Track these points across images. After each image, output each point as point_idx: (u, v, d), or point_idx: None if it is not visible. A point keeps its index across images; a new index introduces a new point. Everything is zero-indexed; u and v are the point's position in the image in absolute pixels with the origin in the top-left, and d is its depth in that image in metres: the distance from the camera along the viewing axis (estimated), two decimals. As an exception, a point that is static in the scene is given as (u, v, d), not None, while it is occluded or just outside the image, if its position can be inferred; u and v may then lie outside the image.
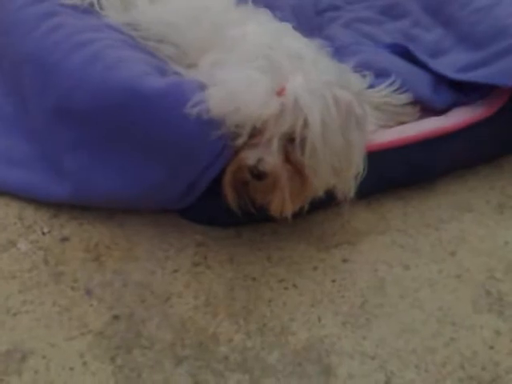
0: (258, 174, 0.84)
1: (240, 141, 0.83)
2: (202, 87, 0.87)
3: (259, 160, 0.83)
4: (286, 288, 0.90)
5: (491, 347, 0.86)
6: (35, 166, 0.99)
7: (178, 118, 0.84)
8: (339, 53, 1.20)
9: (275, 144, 0.82)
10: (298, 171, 0.85)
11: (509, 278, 0.98)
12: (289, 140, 0.83)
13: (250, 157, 0.83)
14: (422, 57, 1.24)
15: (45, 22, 1.01)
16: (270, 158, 0.82)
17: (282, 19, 1.31)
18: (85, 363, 0.76)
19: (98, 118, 0.90)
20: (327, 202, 0.93)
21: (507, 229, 1.07)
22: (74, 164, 0.93)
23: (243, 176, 0.85)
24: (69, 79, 0.92)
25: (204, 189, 0.89)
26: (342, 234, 1.01)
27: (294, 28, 1.22)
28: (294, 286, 0.91)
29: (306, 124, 0.80)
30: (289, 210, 0.87)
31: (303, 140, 0.82)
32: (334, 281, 0.93)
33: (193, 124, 0.84)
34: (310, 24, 1.39)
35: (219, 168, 0.87)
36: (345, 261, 0.97)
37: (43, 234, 0.92)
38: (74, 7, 1.07)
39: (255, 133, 0.83)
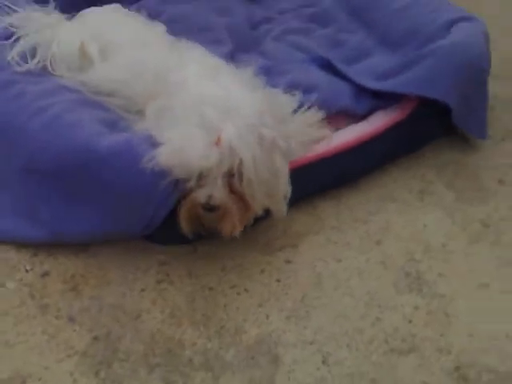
0: (210, 208, 1.00)
1: (190, 185, 0.99)
2: (151, 142, 1.03)
3: (209, 197, 1.00)
4: (238, 293, 1.07)
5: (410, 321, 1.04)
6: (13, 214, 1.13)
7: (131, 173, 1.01)
8: (272, 72, 1.35)
9: (220, 182, 0.99)
10: (240, 199, 1.02)
11: (426, 258, 1.15)
12: (229, 176, 1.00)
13: (201, 196, 1.00)
14: (343, 68, 1.39)
15: (7, 90, 1.14)
16: (217, 193, 0.99)
17: (219, 42, 1.45)
18: (75, 380, 0.93)
19: (63, 176, 1.05)
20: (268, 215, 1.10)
21: (426, 213, 1.25)
22: (48, 213, 1.09)
23: (197, 211, 1.02)
24: (34, 142, 1.07)
25: (159, 223, 1.05)
26: (284, 238, 1.18)
27: (231, 54, 1.37)
28: (245, 290, 1.08)
29: (241, 163, 0.98)
30: (238, 230, 1.04)
31: (240, 175, 0.99)
32: (278, 281, 1.10)
33: (145, 176, 1.00)
34: (246, 41, 1.52)
35: (171, 206, 1.03)
36: (288, 262, 1.14)
37: (26, 271, 1.07)
38: (29, 72, 1.20)
39: (201, 176, 0.99)
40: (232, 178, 1.00)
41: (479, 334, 1.03)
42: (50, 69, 1.23)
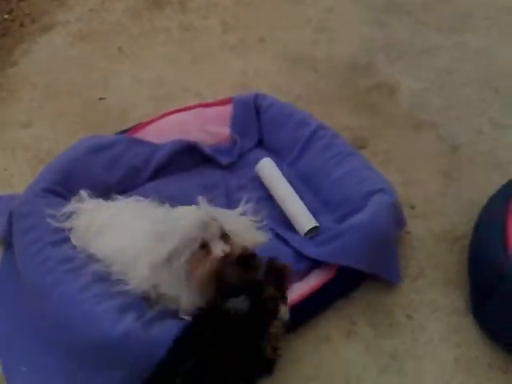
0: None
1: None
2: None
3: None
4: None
5: None
6: (54, 376, 1.65)
7: (140, 351, 1.50)
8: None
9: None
10: None
11: (346, 389, 1.62)
12: None
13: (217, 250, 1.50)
14: (285, 234, 1.88)
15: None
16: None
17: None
18: None
19: (90, 357, 1.57)
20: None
21: (350, 349, 1.71)
22: (82, 374, 1.61)
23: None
24: (69, 333, 1.58)
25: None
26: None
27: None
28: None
29: None
30: None
31: None
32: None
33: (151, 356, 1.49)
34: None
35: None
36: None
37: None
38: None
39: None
40: None
41: None
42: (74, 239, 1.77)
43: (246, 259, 1.52)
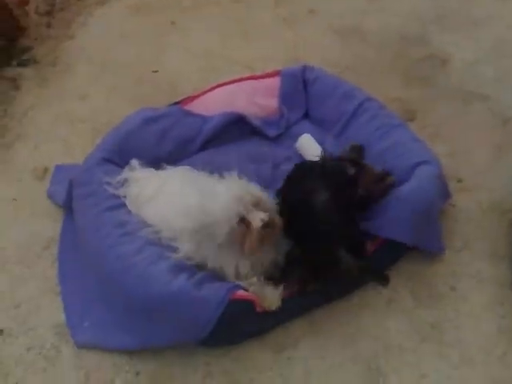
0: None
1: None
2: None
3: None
4: (255, 383, 1.66)
5: (366, 404, 1.57)
6: (117, 330, 1.78)
7: (190, 307, 1.61)
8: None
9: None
10: None
11: (386, 355, 1.66)
12: None
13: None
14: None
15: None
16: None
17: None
18: None
19: (149, 310, 1.67)
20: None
21: (390, 318, 1.75)
22: (140, 330, 1.72)
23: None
24: (129, 290, 1.68)
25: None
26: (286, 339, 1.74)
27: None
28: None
29: None
30: None
31: None
32: (281, 375, 1.67)
33: (199, 308, 1.60)
34: (268, 181, 2.06)
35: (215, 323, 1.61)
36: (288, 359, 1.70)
37: (126, 372, 1.72)
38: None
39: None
40: None
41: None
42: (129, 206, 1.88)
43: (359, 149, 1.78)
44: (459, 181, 2.10)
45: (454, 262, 1.87)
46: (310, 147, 2.14)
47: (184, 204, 1.81)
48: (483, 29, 2.73)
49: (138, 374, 1.71)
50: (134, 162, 1.96)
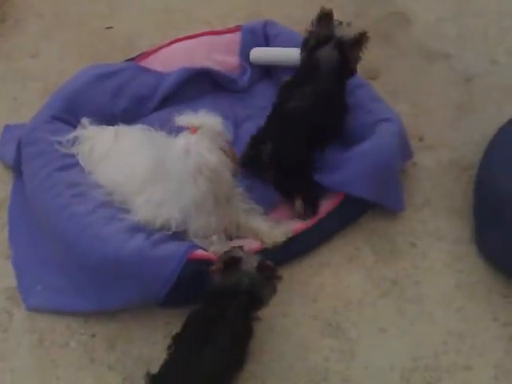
0: None
1: None
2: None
3: None
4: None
5: (326, 359, 1.57)
6: (72, 292, 1.72)
7: (147, 265, 1.57)
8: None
9: None
10: None
11: (345, 311, 1.66)
12: None
13: None
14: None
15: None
16: None
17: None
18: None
19: (103, 271, 1.62)
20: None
21: (352, 274, 1.74)
22: (95, 292, 1.67)
23: None
24: (81, 248, 1.63)
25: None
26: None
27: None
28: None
29: None
30: None
31: None
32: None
33: (156, 265, 1.57)
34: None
35: (174, 281, 1.57)
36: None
37: (81, 334, 1.67)
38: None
39: None
40: None
41: (373, 366, 1.55)
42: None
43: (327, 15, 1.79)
44: (421, 139, 2.08)
45: (414, 219, 1.86)
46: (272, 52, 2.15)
47: (140, 163, 1.76)
48: (448, -12, 2.69)
49: (93, 336, 1.67)
50: (85, 121, 1.88)
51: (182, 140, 1.60)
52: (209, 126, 1.60)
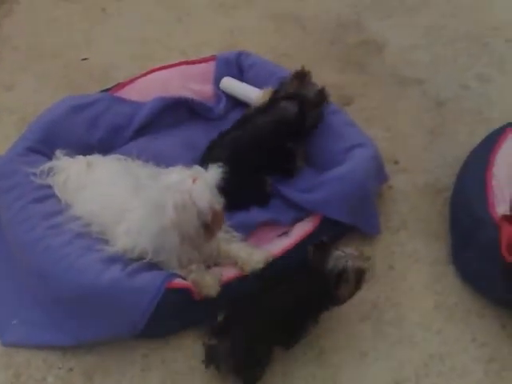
0: None
1: None
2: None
3: None
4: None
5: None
6: (49, 327, 1.69)
7: (125, 297, 1.55)
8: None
9: None
10: None
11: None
12: None
13: None
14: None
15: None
16: None
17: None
18: None
19: (79, 303, 1.60)
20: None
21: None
22: (72, 326, 1.64)
23: None
24: (56, 281, 1.61)
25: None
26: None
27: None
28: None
29: None
30: None
31: None
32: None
33: (132, 297, 1.54)
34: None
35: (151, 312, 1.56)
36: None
37: (59, 368, 1.64)
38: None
39: None
40: None
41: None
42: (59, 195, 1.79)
43: (302, 75, 1.93)
44: (396, 162, 2.12)
45: (392, 242, 1.88)
46: (237, 86, 2.19)
47: (118, 193, 1.75)
48: (418, 15, 2.77)
49: (71, 370, 1.64)
50: (59, 153, 1.88)
51: (175, 175, 1.58)
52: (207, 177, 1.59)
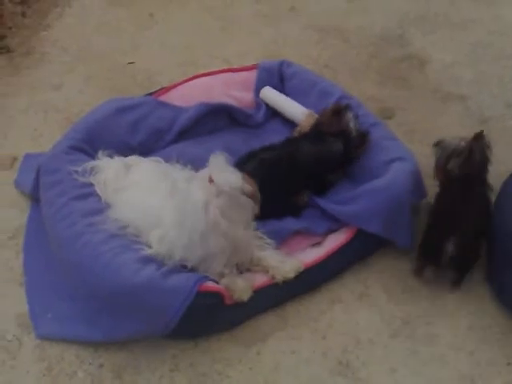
0: None
1: None
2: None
3: None
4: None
5: (335, 399, 1.54)
6: (81, 322, 1.73)
7: (157, 296, 1.57)
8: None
9: None
10: None
11: (356, 349, 1.63)
12: None
13: None
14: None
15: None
16: None
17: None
18: None
19: (114, 300, 1.62)
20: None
21: (362, 312, 1.73)
22: (104, 322, 1.67)
23: None
24: (94, 278, 1.64)
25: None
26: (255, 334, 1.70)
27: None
28: (227, 376, 1.62)
29: None
30: None
31: None
32: (251, 369, 1.63)
33: (165, 298, 1.56)
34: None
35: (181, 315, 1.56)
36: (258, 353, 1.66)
37: (90, 364, 1.66)
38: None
39: None
40: None
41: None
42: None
43: (339, 110, 1.97)
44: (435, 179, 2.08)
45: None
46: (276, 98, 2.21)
47: (152, 202, 1.77)
48: (463, 32, 2.74)
49: (101, 366, 1.66)
50: (101, 154, 1.92)
51: (200, 193, 1.62)
52: (227, 185, 1.62)
